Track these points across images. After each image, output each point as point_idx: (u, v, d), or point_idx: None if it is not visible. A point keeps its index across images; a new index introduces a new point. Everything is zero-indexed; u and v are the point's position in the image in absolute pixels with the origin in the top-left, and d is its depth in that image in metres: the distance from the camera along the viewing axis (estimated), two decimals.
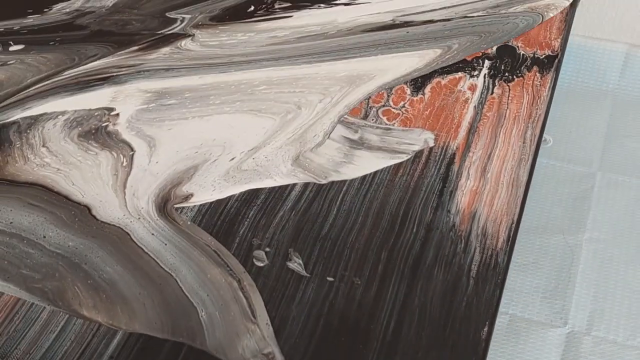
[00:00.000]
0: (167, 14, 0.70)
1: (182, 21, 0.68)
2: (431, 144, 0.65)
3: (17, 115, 0.61)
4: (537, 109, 0.68)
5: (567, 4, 0.73)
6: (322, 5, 0.69)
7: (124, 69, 0.64)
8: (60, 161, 0.59)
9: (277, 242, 0.58)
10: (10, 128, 0.60)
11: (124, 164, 0.58)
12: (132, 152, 0.59)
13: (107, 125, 0.60)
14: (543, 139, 0.71)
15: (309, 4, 0.70)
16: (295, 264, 0.57)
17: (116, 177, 0.59)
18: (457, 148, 0.65)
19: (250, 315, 0.53)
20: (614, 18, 0.84)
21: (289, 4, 0.69)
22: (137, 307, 0.53)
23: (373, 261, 0.57)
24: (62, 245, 0.56)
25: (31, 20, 0.70)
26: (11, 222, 0.57)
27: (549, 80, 0.71)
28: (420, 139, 0.65)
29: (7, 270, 0.55)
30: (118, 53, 0.65)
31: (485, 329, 0.53)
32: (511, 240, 0.59)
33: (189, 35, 0.66)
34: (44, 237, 0.56)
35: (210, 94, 0.61)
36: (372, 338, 0.52)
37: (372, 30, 0.66)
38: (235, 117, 0.60)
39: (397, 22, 0.65)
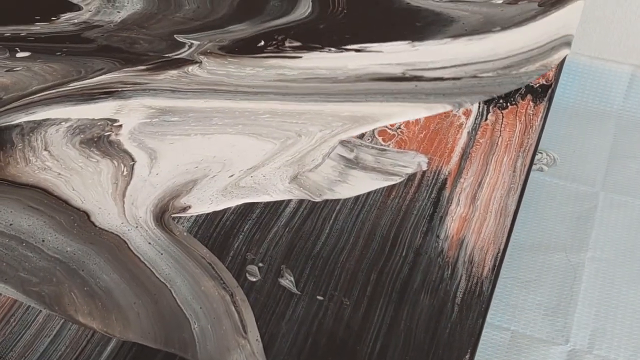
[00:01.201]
0: (175, 37, 0.70)
1: (190, 46, 0.69)
2: (424, 167, 0.67)
3: (21, 119, 0.63)
4: (528, 138, 0.70)
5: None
6: (332, 49, 0.69)
7: (129, 86, 0.65)
8: (61, 166, 0.61)
9: (270, 257, 0.60)
10: (13, 130, 0.62)
11: (124, 173, 0.60)
12: (132, 162, 0.60)
13: (109, 135, 0.61)
14: (552, 157, 0.73)
15: (320, 46, 0.70)
16: (287, 281, 0.59)
17: (116, 185, 0.60)
18: (449, 173, 0.67)
19: (241, 330, 0.55)
20: (620, 39, 0.86)
21: (299, 44, 0.70)
22: (131, 316, 0.55)
23: (362, 282, 0.59)
24: (60, 250, 0.58)
25: (38, 27, 0.70)
26: (11, 224, 0.58)
27: (542, 110, 0.73)
28: (414, 162, 0.67)
29: (5, 272, 0.56)
30: (124, 69, 0.66)
31: (467, 356, 0.55)
32: (496, 269, 0.61)
33: (197, 62, 0.66)
34: (43, 240, 0.58)
35: (214, 116, 0.62)
36: (358, 359, 0.55)
37: (380, 79, 0.66)
38: (236, 137, 0.62)
39: (407, 75, 0.65)
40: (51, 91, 0.64)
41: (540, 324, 0.66)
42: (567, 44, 0.72)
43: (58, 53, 0.68)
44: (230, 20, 0.73)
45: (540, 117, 0.72)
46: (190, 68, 0.67)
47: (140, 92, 0.64)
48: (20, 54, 0.68)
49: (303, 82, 0.66)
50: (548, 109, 0.74)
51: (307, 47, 0.70)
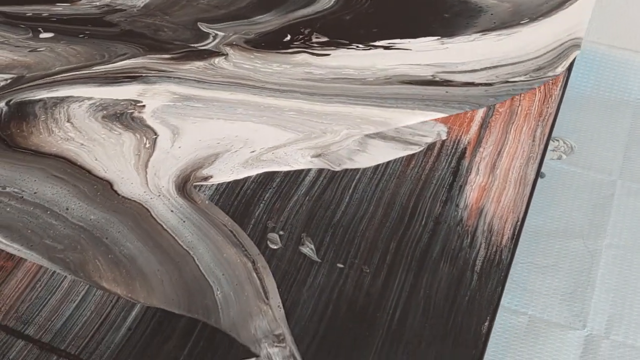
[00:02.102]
0: (200, 28, 0.69)
1: (214, 37, 0.68)
2: (444, 137, 0.67)
3: (44, 95, 0.63)
4: (547, 107, 0.70)
5: None
6: (360, 45, 0.67)
7: (153, 72, 0.65)
8: (84, 137, 0.61)
9: (290, 226, 0.61)
10: (36, 104, 0.62)
11: (147, 145, 0.60)
12: (155, 136, 0.61)
13: (132, 112, 0.61)
14: (569, 145, 0.73)
15: (347, 42, 0.68)
16: (308, 249, 0.60)
17: (138, 157, 0.61)
18: (468, 142, 0.67)
19: (263, 297, 0.56)
20: (639, 28, 0.85)
21: (326, 39, 0.68)
22: (155, 283, 0.56)
23: (382, 251, 0.59)
24: (84, 218, 0.59)
25: (60, 8, 0.70)
26: (35, 192, 0.59)
27: (561, 79, 0.72)
28: (433, 131, 0.67)
29: (30, 239, 0.57)
30: (148, 56, 0.66)
31: (486, 324, 0.56)
32: (515, 237, 0.61)
33: (223, 54, 0.66)
34: (67, 209, 0.59)
35: (238, 107, 0.62)
36: (377, 326, 0.55)
37: (410, 82, 0.65)
38: (260, 125, 0.62)
39: (437, 79, 0.63)
40: (74, 72, 0.65)
41: (557, 309, 0.66)
42: (577, 45, 0.72)
43: (81, 35, 0.68)
44: (254, 9, 0.72)
45: (559, 86, 0.72)
46: (217, 60, 0.66)
47: (164, 79, 0.65)
48: (43, 35, 0.68)
49: (331, 82, 0.65)
50: (567, 77, 0.73)
51: (335, 42, 0.69)
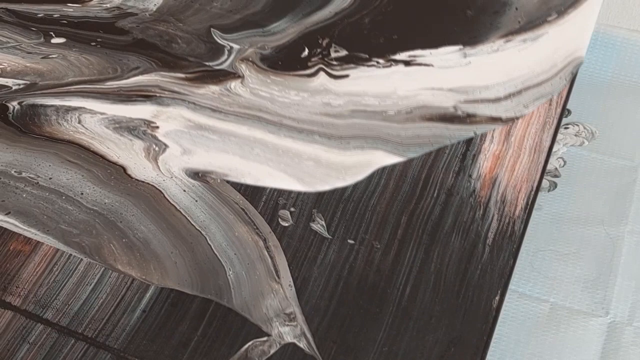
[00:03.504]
0: (214, 38, 0.67)
1: (230, 51, 0.66)
2: None
3: (56, 102, 0.63)
4: None
5: None
6: (380, 61, 0.64)
7: (167, 93, 0.64)
8: (94, 134, 0.62)
9: (301, 202, 0.61)
10: (48, 108, 0.63)
11: (157, 149, 0.60)
12: (166, 147, 0.61)
13: (145, 130, 0.61)
14: (590, 131, 0.71)
15: (367, 56, 0.65)
16: (318, 225, 0.60)
17: (149, 154, 0.61)
18: None
19: (274, 275, 0.57)
20: None
21: (345, 53, 0.65)
22: (169, 265, 0.57)
23: (393, 225, 0.59)
24: (98, 202, 0.60)
25: (71, 10, 0.70)
26: (50, 178, 0.61)
27: None
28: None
29: (46, 224, 0.59)
30: (162, 73, 0.65)
31: (497, 297, 0.56)
32: (529, 208, 0.61)
33: (239, 76, 0.63)
34: (82, 193, 0.60)
35: (255, 146, 0.60)
36: (388, 302, 0.56)
37: (432, 119, 0.61)
38: (276, 172, 0.59)
39: (459, 112, 0.60)
40: (87, 85, 0.64)
41: (579, 296, 0.66)
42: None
43: (93, 43, 0.67)
44: (269, 13, 0.69)
45: None
46: (232, 85, 0.64)
47: (179, 102, 0.63)
48: (55, 40, 0.68)
49: (349, 116, 0.61)
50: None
51: (353, 57, 0.65)
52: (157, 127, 0.61)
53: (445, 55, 0.65)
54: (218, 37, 0.67)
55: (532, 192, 0.61)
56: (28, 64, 0.66)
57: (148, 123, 0.61)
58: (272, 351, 0.54)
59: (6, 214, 0.59)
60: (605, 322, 0.64)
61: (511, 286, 0.65)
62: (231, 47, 0.66)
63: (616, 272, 0.67)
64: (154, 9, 0.69)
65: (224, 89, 0.63)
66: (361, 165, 0.59)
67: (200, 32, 0.68)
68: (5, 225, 0.59)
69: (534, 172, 0.62)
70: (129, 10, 0.69)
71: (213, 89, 0.63)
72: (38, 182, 0.61)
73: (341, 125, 0.60)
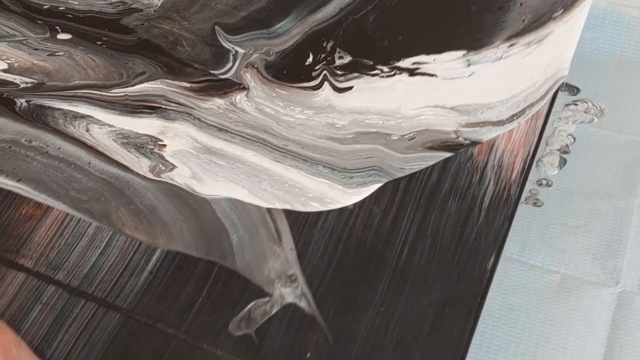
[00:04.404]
0: (219, 41, 0.67)
1: (234, 57, 0.66)
2: None
3: (64, 106, 0.65)
4: None
5: None
6: (384, 69, 0.64)
7: (173, 105, 0.64)
8: (101, 145, 0.63)
9: None
10: (56, 110, 0.64)
11: (163, 169, 0.61)
12: (173, 167, 0.62)
13: (153, 148, 0.62)
14: (599, 108, 0.73)
15: (371, 63, 0.65)
16: None
17: (153, 171, 0.62)
18: None
19: (276, 239, 0.59)
20: None
21: (349, 59, 0.65)
22: (174, 230, 0.59)
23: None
24: (106, 170, 0.62)
25: (76, 2, 0.70)
26: (59, 148, 0.63)
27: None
28: None
29: (56, 191, 0.61)
30: (167, 81, 0.65)
31: (492, 259, 0.58)
32: (525, 172, 0.62)
33: (244, 88, 0.64)
34: (89, 163, 0.62)
35: (263, 178, 0.60)
36: (386, 264, 0.58)
37: (433, 148, 0.61)
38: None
39: (461, 139, 0.61)
40: (94, 91, 0.65)
41: (589, 267, 0.67)
42: None
43: (98, 42, 0.68)
44: (274, 11, 0.69)
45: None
46: (238, 98, 0.64)
47: (185, 117, 0.63)
48: (60, 36, 0.68)
49: (353, 141, 0.61)
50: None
51: (357, 64, 0.65)
52: (164, 146, 0.62)
53: (449, 63, 0.65)
54: (223, 40, 0.68)
55: (529, 157, 0.63)
56: (35, 61, 0.67)
57: (155, 140, 0.62)
58: (273, 311, 0.56)
59: (17, 181, 0.62)
60: (615, 292, 0.66)
61: (521, 258, 0.67)
62: (236, 52, 0.67)
63: (626, 244, 0.68)
64: (159, 4, 0.70)
65: (229, 103, 0.64)
66: (360, 196, 0.60)
67: (205, 34, 0.68)
68: (16, 191, 0.61)
69: (531, 136, 0.64)
70: (133, 6, 0.70)
71: (218, 102, 0.64)
72: (47, 152, 0.63)
73: (345, 152, 0.61)
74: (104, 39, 0.68)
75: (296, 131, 0.62)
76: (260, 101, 0.64)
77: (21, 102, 0.65)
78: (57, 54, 0.67)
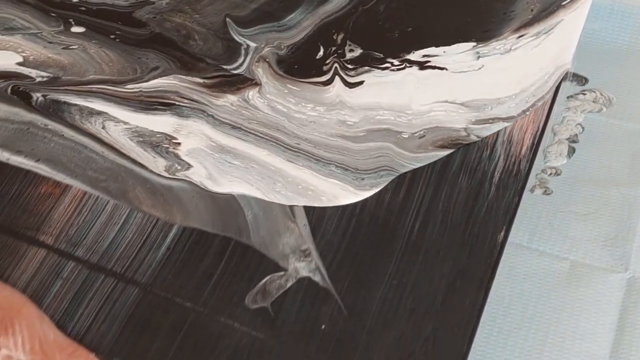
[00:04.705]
0: (230, 35, 0.67)
1: (246, 51, 0.66)
2: None
3: (78, 102, 0.65)
4: None
5: None
6: (394, 62, 0.64)
7: (186, 101, 0.64)
8: (118, 143, 0.64)
9: None
10: (72, 106, 0.65)
11: (179, 169, 0.62)
12: (189, 167, 0.62)
13: (168, 147, 0.62)
14: (607, 97, 0.74)
15: (381, 55, 0.65)
16: None
17: (169, 170, 0.63)
18: None
19: (290, 215, 0.60)
20: None
21: (359, 51, 0.66)
22: (191, 207, 0.61)
23: None
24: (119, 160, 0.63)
25: None
26: (73, 135, 0.64)
27: None
28: None
29: (74, 170, 0.63)
30: (180, 76, 0.66)
31: (502, 233, 0.59)
32: (535, 147, 0.63)
33: (257, 84, 0.64)
34: (103, 152, 0.63)
35: (277, 179, 0.61)
36: (398, 237, 0.59)
37: (444, 146, 0.62)
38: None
39: (472, 136, 0.61)
40: (109, 87, 0.66)
41: (599, 254, 0.68)
42: None
43: (112, 36, 0.68)
44: (284, 1, 0.69)
45: None
46: (250, 94, 0.64)
47: (198, 114, 0.64)
48: (74, 29, 0.69)
49: (364, 139, 0.62)
50: None
51: (368, 57, 0.66)
52: (179, 144, 0.62)
53: (458, 56, 0.65)
54: (234, 33, 0.68)
55: (538, 132, 0.64)
56: (50, 55, 0.67)
57: (170, 139, 0.62)
58: (288, 284, 0.58)
59: (36, 161, 0.63)
60: (624, 278, 0.67)
61: (531, 245, 0.68)
62: (248, 46, 0.67)
63: (635, 231, 0.69)
64: None
65: (242, 100, 0.64)
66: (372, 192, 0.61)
67: (217, 27, 0.69)
68: (35, 170, 0.63)
69: (540, 112, 0.65)
70: None
71: (231, 99, 0.64)
72: (63, 135, 0.64)
73: (357, 150, 0.61)
74: (117, 32, 0.69)
75: (308, 129, 0.63)
76: (272, 98, 0.64)
77: (37, 96, 0.66)
78: (71, 47, 0.68)
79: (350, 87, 0.65)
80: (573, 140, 0.73)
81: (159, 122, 0.64)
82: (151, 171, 0.62)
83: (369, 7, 0.69)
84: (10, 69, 0.67)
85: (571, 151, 0.72)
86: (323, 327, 0.56)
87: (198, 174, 0.61)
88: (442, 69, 0.65)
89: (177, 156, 0.62)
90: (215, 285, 0.58)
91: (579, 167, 0.72)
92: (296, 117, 0.63)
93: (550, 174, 0.71)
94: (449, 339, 0.55)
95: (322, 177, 0.60)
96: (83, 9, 0.70)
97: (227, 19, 0.69)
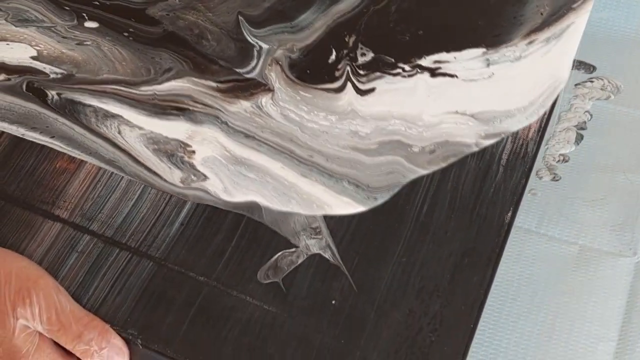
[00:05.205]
0: (243, 35, 0.67)
1: (259, 53, 0.66)
2: None
3: (93, 102, 0.65)
4: None
5: None
6: (406, 68, 0.64)
7: (199, 106, 0.64)
8: (134, 150, 0.64)
9: None
10: (87, 107, 0.65)
11: (195, 179, 0.62)
12: (205, 179, 0.62)
13: (183, 156, 0.62)
14: (615, 85, 0.75)
15: (392, 60, 0.65)
16: None
17: (185, 182, 0.63)
18: None
19: None
20: None
21: (371, 55, 0.66)
22: None
23: None
24: None
25: None
26: None
27: None
28: None
29: (89, 147, 0.64)
30: (193, 78, 0.66)
31: (509, 213, 0.60)
32: (542, 130, 0.64)
33: (269, 90, 0.64)
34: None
35: (292, 196, 0.61)
36: (407, 218, 0.61)
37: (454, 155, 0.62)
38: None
39: (481, 147, 0.62)
40: (123, 88, 0.66)
41: (607, 238, 0.69)
42: None
43: (125, 34, 0.68)
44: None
45: None
46: (264, 101, 0.64)
47: (212, 120, 0.64)
48: (88, 24, 0.69)
49: (376, 152, 0.61)
50: None
51: (379, 62, 0.65)
52: (194, 152, 0.62)
53: (469, 62, 0.65)
54: (247, 33, 0.68)
55: (546, 116, 0.65)
56: (64, 50, 0.68)
57: (184, 146, 0.62)
58: (299, 261, 0.59)
59: (51, 137, 0.64)
60: (632, 262, 0.68)
61: (540, 230, 0.70)
62: (260, 48, 0.67)
63: None
64: None
65: (255, 106, 0.64)
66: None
67: (230, 27, 0.69)
68: (51, 145, 0.64)
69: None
70: None
71: (245, 105, 0.64)
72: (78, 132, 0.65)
73: (368, 165, 0.61)
74: (130, 30, 0.69)
75: (321, 140, 0.63)
76: (285, 105, 0.64)
77: (52, 94, 0.66)
78: (85, 43, 0.69)
79: (362, 95, 0.65)
80: (581, 127, 0.74)
81: (173, 128, 0.64)
82: (165, 180, 0.63)
83: (380, 7, 0.69)
84: (25, 63, 0.68)
85: (579, 138, 0.74)
86: (334, 302, 0.58)
87: (214, 186, 0.62)
88: (452, 76, 0.65)
89: (192, 166, 0.62)
90: (228, 260, 0.60)
91: (587, 154, 0.73)
92: (309, 126, 0.63)
93: (559, 160, 0.72)
94: (456, 316, 0.57)
95: (335, 195, 0.60)
96: (97, 3, 0.71)
97: (240, 17, 0.69)
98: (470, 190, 0.62)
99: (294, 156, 0.62)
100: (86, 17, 0.70)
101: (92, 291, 0.59)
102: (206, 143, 0.63)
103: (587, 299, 0.67)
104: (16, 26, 0.69)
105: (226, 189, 0.62)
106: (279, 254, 0.59)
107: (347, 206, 0.60)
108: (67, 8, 0.70)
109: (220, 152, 0.63)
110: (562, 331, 0.66)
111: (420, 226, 0.60)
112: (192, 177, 0.61)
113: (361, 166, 0.61)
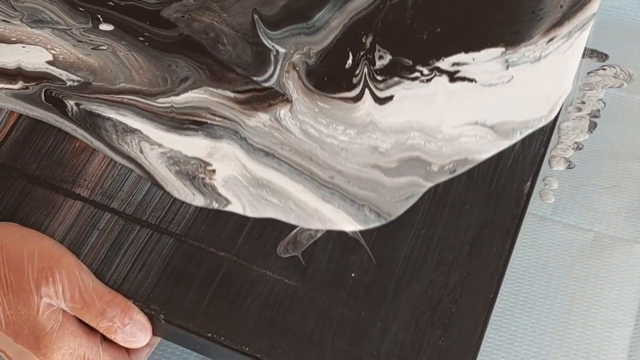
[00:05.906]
0: (260, 38, 0.66)
1: (276, 58, 0.65)
2: None
3: (112, 115, 0.65)
4: None
5: None
6: (424, 71, 0.63)
7: (218, 119, 0.63)
8: (157, 171, 0.63)
9: None
10: (106, 120, 0.65)
11: (217, 206, 0.62)
12: (227, 204, 0.61)
13: (204, 178, 0.62)
14: (628, 73, 0.75)
15: (410, 62, 0.64)
16: None
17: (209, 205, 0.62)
18: None
19: None
20: None
21: (389, 58, 0.64)
22: None
23: None
24: None
25: None
26: None
27: None
28: None
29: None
30: (211, 90, 0.65)
31: (528, 183, 0.60)
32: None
33: (288, 101, 0.63)
34: None
35: (315, 224, 0.60)
36: (425, 191, 0.61)
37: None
38: None
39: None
40: (140, 99, 0.65)
41: (622, 225, 0.70)
42: None
43: (140, 38, 0.68)
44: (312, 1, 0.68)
45: None
46: (282, 113, 0.63)
47: (231, 134, 0.63)
48: (103, 26, 0.68)
49: (396, 172, 0.60)
50: None
51: (397, 65, 0.64)
52: (214, 172, 0.62)
53: (488, 64, 0.63)
54: (263, 35, 0.67)
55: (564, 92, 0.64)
56: (80, 55, 0.67)
57: (205, 165, 0.62)
58: (318, 235, 0.60)
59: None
60: None
61: (555, 217, 0.70)
62: (277, 52, 0.66)
63: None
64: None
65: (273, 119, 0.63)
66: None
67: (246, 29, 0.67)
68: (71, 132, 0.65)
69: None
70: None
71: (263, 118, 0.63)
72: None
73: (389, 187, 0.60)
74: (145, 34, 0.68)
75: (340, 158, 0.62)
76: (304, 119, 0.63)
77: (71, 104, 0.66)
78: (100, 47, 0.68)
79: (380, 104, 0.63)
80: (594, 115, 0.74)
81: (192, 144, 0.63)
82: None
83: (396, 1, 0.67)
84: (42, 69, 0.67)
85: (592, 126, 0.74)
86: (353, 275, 0.58)
87: (236, 210, 0.61)
88: (471, 80, 0.63)
89: (214, 189, 0.62)
90: (248, 235, 0.60)
91: (600, 142, 0.74)
92: (328, 142, 0.62)
93: (573, 148, 0.73)
94: (476, 287, 0.57)
95: (358, 225, 0.59)
96: (111, 4, 0.70)
97: (255, 16, 0.68)
98: (489, 161, 0.61)
99: (314, 177, 0.61)
100: (101, 19, 0.69)
101: (114, 268, 0.60)
102: (226, 160, 0.62)
103: (603, 285, 0.68)
104: (31, 27, 0.69)
105: (246, 209, 0.61)
106: (298, 228, 0.60)
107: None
108: (81, 9, 0.70)
109: (240, 172, 0.62)
110: (578, 317, 0.66)
111: (438, 199, 0.61)
112: (215, 203, 0.61)
113: (382, 189, 0.60)
